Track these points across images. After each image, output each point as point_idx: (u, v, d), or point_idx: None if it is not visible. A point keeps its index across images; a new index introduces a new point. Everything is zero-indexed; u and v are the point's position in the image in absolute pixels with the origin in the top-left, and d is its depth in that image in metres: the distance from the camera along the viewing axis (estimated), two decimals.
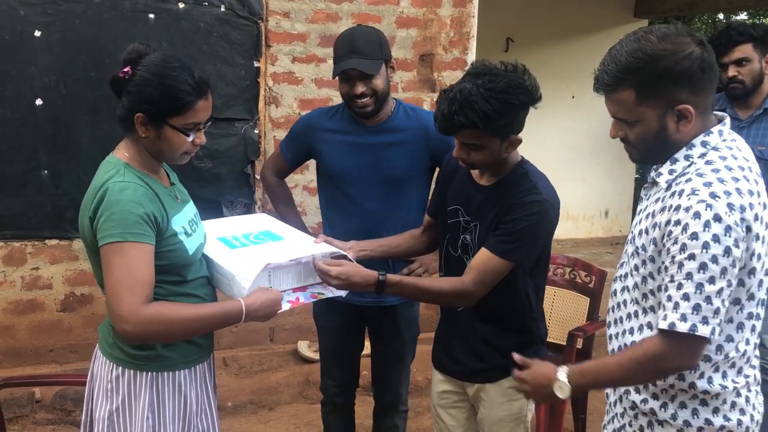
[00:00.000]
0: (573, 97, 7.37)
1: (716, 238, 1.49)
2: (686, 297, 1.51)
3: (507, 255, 2.04)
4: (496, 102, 1.94)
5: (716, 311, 1.51)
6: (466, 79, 1.99)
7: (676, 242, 1.53)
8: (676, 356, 1.55)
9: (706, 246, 1.49)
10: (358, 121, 2.56)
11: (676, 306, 1.53)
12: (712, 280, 1.50)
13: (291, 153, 2.73)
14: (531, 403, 2.25)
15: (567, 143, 7.59)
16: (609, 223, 8.15)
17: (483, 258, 2.06)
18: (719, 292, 1.51)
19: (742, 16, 10.17)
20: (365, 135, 2.56)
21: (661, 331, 1.56)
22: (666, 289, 1.56)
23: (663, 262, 1.59)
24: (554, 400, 1.74)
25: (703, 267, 1.50)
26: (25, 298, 3.77)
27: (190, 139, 1.86)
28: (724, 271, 1.50)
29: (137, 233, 1.74)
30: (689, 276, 1.51)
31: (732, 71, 3.09)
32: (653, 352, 1.57)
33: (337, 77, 2.49)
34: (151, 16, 3.76)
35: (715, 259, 1.49)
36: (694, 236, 1.50)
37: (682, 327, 1.51)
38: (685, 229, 1.52)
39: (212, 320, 1.86)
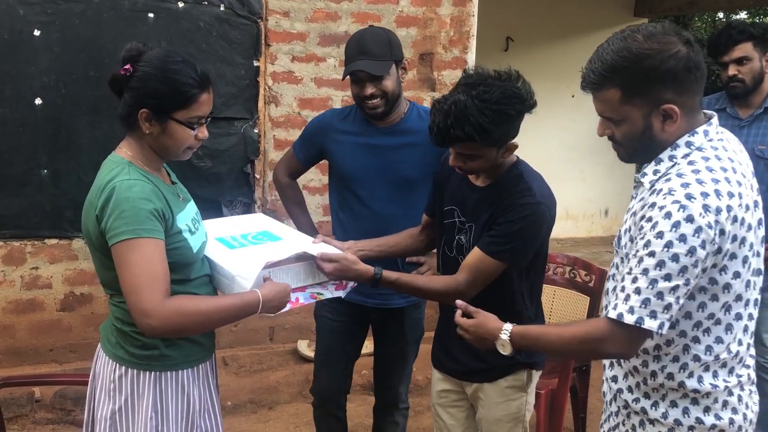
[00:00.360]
0: (573, 96, 7.36)
1: (683, 238, 1.49)
2: (638, 291, 1.53)
3: (499, 256, 2.04)
4: (492, 114, 1.93)
5: (667, 307, 1.52)
6: (460, 90, 1.98)
7: (643, 238, 1.55)
8: (616, 343, 1.58)
9: (668, 245, 1.49)
10: (371, 122, 2.56)
11: (627, 298, 1.55)
12: (668, 277, 1.51)
13: (304, 153, 2.73)
14: (530, 402, 2.25)
15: (567, 143, 7.59)
16: (609, 222, 8.15)
17: (476, 258, 2.07)
18: (674, 289, 1.51)
19: (742, 15, 10.17)
20: (377, 136, 2.56)
21: (614, 321, 1.57)
22: (622, 279, 1.59)
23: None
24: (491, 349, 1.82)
25: (660, 264, 1.51)
26: (24, 297, 3.77)
27: (194, 132, 1.87)
28: (683, 269, 1.50)
29: (150, 229, 1.75)
30: (645, 271, 1.53)
31: (732, 70, 3.08)
32: (595, 335, 1.60)
33: (349, 78, 2.49)
34: (151, 15, 3.76)
35: (675, 258, 1.50)
36: (660, 235, 1.51)
37: (629, 319, 1.54)
38: (654, 226, 1.52)
39: (232, 311, 1.87)
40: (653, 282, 1.51)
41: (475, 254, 2.07)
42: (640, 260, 1.54)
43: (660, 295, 1.51)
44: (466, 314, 1.87)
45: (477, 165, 2.06)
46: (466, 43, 4.39)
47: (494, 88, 1.95)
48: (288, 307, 2.00)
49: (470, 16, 4.38)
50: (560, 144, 7.52)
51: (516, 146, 2.07)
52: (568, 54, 7.21)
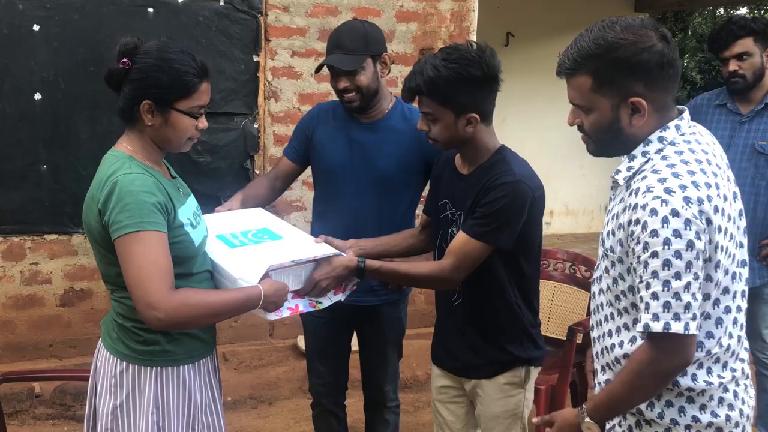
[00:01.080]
0: None
1: (677, 233, 1.47)
2: (655, 296, 1.50)
3: (483, 237, 2.04)
4: (445, 70, 1.99)
5: (687, 306, 1.48)
6: (435, 54, 2.08)
7: (638, 242, 1.52)
8: (665, 357, 1.52)
9: (667, 242, 1.47)
10: (354, 116, 2.55)
11: (647, 306, 1.51)
12: (678, 276, 1.48)
13: (292, 147, 2.69)
14: (528, 399, 2.26)
15: (567, 139, 7.51)
16: None
17: (460, 242, 2.08)
18: (687, 286, 1.48)
19: (743, 10, 10.16)
20: (357, 131, 2.54)
21: (647, 335, 1.54)
22: (638, 291, 1.55)
23: (631, 263, 1.58)
24: None
25: (667, 264, 1.48)
26: (24, 293, 3.77)
27: (196, 122, 1.87)
28: (689, 265, 1.48)
29: (153, 222, 1.75)
30: (655, 274, 1.49)
31: (733, 65, 3.07)
32: (645, 360, 1.55)
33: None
34: (150, 10, 3.75)
35: (678, 255, 1.47)
36: (654, 233, 1.49)
37: (656, 327, 1.49)
38: (644, 227, 1.50)
39: (235, 304, 1.88)
40: (666, 283, 1.49)
41: (459, 238, 2.08)
42: (646, 265, 1.51)
43: (677, 295, 1.48)
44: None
45: (437, 131, 2.09)
46: (466, 38, 4.37)
47: (458, 51, 2.03)
48: (288, 313, 2.02)
49: (470, 11, 4.37)
50: (560, 139, 7.49)
51: (477, 120, 2.06)
52: None
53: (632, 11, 7.63)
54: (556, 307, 3.45)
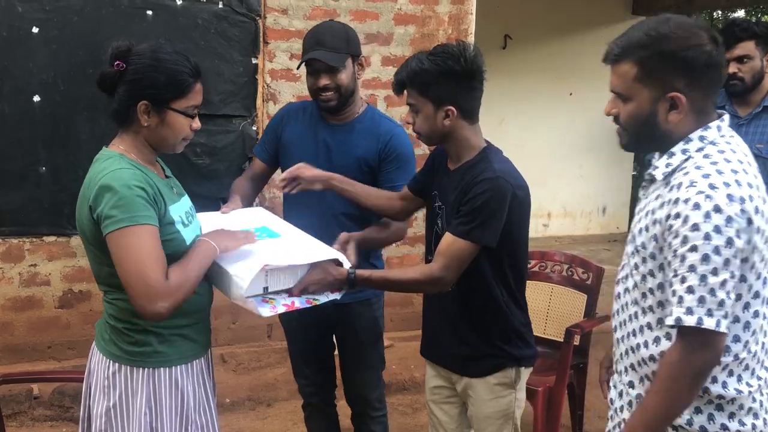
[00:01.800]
0: (571, 94, 7.35)
1: (718, 229, 1.46)
2: (690, 290, 1.48)
3: (468, 236, 2.06)
4: (427, 63, 2.08)
5: (721, 303, 1.47)
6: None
7: (677, 235, 1.51)
8: (697, 353, 1.49)
9: (707, 237, 1.46)
10: (323, 117, 2.56)
11: (681, 300, 1.49)
12: (715, 272, 1.46)
13: (263, 149, 2.69)
14: (519, 399, 2.26)
15: (565, 140, 7.59)
16: (606, 220, 8.15)
17: (447, 242, 2.10)
18: (723, 283, 1.47)
19: (740, 13, 10.17)
20: (326, 132, 2.56)
21: (677, 331, 1.52)
22: (671, 285, 1.53)
23: (666, 258, 1.56)
24: None
25: (705, 258, 1.46)
26: (23, 294, 3.77)
27: (191, 122, 1.89)
28: (726, 262, 1.47)
29: (146, 215, 1.76)
30: (692, 268, 1.48)
31: (732, 68, 3.07)
32: (675, 359, 1.52)
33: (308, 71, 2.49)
34: (149, 12, 3.76)
35: (717, 250, 1.46)
36: (695, 227, 1.48)
37: (689, 321, 1.47)
38: (685, 221, 1.49)
39: (199, 261, 1.85)
40: (703, 278, 1.47)
41: (446, 238, 2.11)
42: (683, 258, 1.49)
43: (712, 291, 1.47)
44: None
45: (419, 122, 2.15)
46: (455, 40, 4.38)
47: (443, 48, 2.11)
48: (283, 309, 2.02)
49: (468, 14, 4.38)
50: (559, 141, 7.52)
51: (454, 113, 2.10)
52: (566, 52, 7.21)
53: (630, 14, 7.64)
54: (553, 309, 3.46)
